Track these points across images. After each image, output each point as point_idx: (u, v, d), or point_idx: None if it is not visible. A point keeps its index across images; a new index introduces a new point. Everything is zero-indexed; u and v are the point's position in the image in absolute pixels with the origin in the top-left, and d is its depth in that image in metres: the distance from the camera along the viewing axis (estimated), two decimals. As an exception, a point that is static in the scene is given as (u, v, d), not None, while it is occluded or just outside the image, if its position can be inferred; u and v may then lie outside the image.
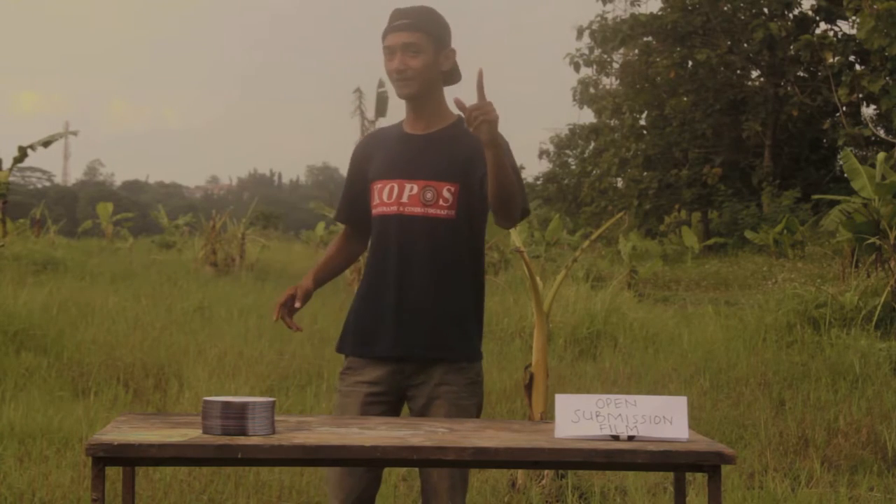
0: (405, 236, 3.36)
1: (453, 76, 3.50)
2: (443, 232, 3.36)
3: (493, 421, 3.30)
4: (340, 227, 3.73)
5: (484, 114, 3.07)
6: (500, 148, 3.14)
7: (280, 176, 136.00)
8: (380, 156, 3.47)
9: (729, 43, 32.65)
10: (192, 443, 2.67)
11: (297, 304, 3.47)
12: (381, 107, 20.13)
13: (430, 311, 3.36)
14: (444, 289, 3.38)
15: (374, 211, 3.45)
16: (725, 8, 32.43)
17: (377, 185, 3.44)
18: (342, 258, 3.65)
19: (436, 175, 3.37)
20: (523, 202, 3.35)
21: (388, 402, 3.40)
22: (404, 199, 3.38)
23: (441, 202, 3.36)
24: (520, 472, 5.51)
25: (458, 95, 3.31)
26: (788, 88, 31.67)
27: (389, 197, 3.40)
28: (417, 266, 3.37)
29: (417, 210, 3.36)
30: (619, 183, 35.76)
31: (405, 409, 3.50)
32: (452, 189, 3.36)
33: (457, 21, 3.65)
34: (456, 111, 3.43)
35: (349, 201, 3.59)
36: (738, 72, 33.42)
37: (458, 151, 3.40)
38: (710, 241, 29.57)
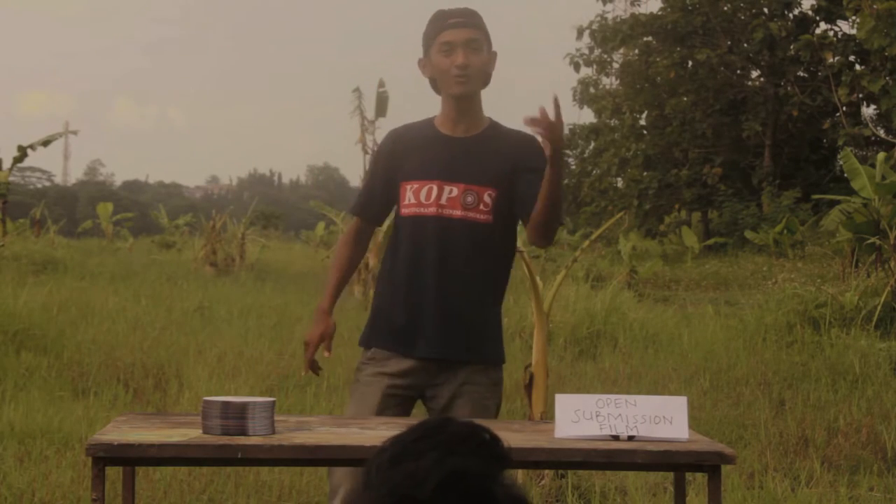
0: (445, 238, 3.34)
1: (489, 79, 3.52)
2: (481, 236, 3.35)
3: (493, 421, 3.30)
4: (339, 227, 3.73)
5: (557, 129, 3.04)
6: (563, 167, 3.15)
7: (280, 176, 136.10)
8: (414, 156, 3.44)
9: (729, 43, 32.64)
10: (192, 443, 2.67)
11: (327, 354, 3.50)
12: (381, 107, 20.13)
13: (467, 314, 3.38)
14: (479, 292, 3.40)
15: (406, 211, 3.41)
16: (725, 8, 32.42)
17: (411, 186, 3.40)
18: (352, 265, 3.62)
19: (477, 179, 3.36)
20: (562, 221, 3.38)
21: (407, 398, 3.40)
22: (443, 202, 3.37)
23: (482, 206, 3.35)
24: (520, 472, 5.50)
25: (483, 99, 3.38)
26: (788, 88, 31.65)
27: (427, 198, 3.38)
28: (455, 269, 3.37)
29: (457, 213, 3.34)
30: (619, 183, 35.75)
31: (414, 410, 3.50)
32: (493, 194, 3.36)
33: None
34: (487, 114, 3.46)
35: (371, 196, 3.55)
36: (738, 72, 33.41)
37: (499, 156, 3.39)
38: (710, 241, 29.56)
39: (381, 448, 1.39)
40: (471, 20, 3.40)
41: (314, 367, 3.49)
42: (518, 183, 3.34)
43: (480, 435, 1.39)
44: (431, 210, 3.37)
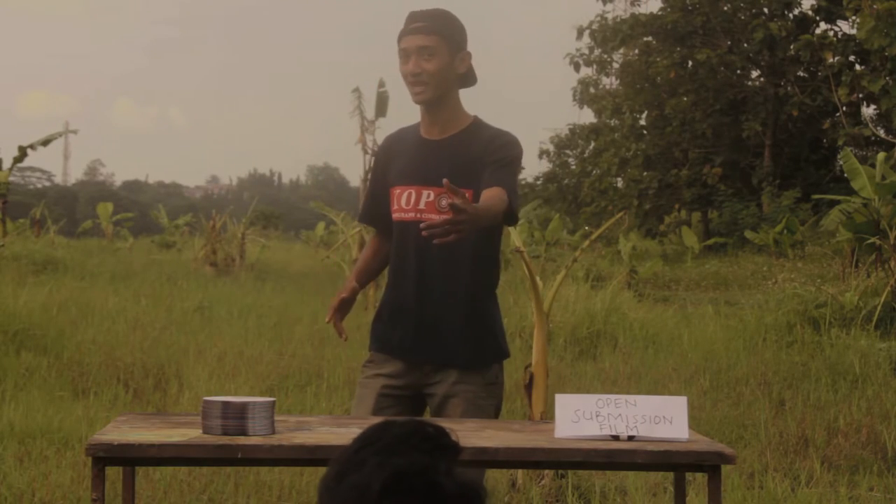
0: (423, 243, 3.34)
1: (468, 79, 3.50)
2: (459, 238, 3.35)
3: (493, 421, 3.30)
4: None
5: (456, 224, 2.91)
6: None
7: (280, 176, 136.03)
8: (399, 160, 3.50)
9: (729, 43, 32.63)
10: (192, 443, 2.67)
11: (344, 295, 3.55)
12: (381, 107, 20.12)
13: (448, 317, 3.39)
14: (462, 295, 3.40)
15: (394, 216, 3.48)
16: (725, 8, 32.41)
17: (396, 191, 3.46)
18: (379, 259, 3.68)
19: (451, 181, 3.36)
20: (507, 219, 3.34)
21: (404, 398, 3.43)
22: (422, 206, 3.40)
23: None
24: (520, 472, 5.51)
25: (471, 98, 3.37)
26: (788, 88, 31.65)
27: (408, 203, 3.43)
28: (435, 272, 3.39)
29: (434, 217, 3.32)
30: (619, 183, 35.75)
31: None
32: (467, 195, 3.33)
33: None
34: (472, 112, 3.46)
35: (372, 203, 3.62)
36: (738, 72, 33.40)
37: (472, 156, 3.38)
38: (710, 241, 29.55)
39: (329, 467, 1.39)
40: (429, 25, 3.39)
41: (338, 327, 3.54)
42: (483, 175, 3.35)
43: (423, 431, 1.38)
44: (411, 215, 3.42)
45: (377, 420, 1.45)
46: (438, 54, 3.38)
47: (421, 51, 3.38)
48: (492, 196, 3.22)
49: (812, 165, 32.67)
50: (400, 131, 3.62)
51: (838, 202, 15.12)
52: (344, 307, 3.54)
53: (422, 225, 2.98)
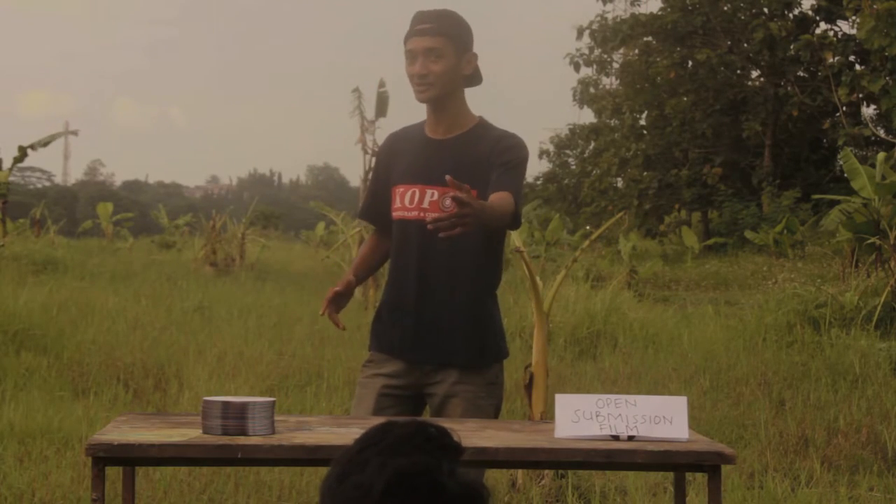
0: (425, 243, 3.36)
1: (474, 79, 3.50)
2: (461, 239, 3.26)
3: (493, 421, 3.30)
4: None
5: (461, 218, 2.91)
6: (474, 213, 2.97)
7: (280, 176, 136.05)
8: (402, 159, 3.49)
9: (729, 43, 32.63)
10: (192, 443, 2.67)
11: (338, 288, 3.51)
12: (382, 107, 20.08)
13: (449, 317, 3.39)
14: (463, 296, 3.40)
15: (395, 215, 3.47)
16: (725, 8, 32.40)
17: (398, 189, 3.46)
18: (377, 256, 3.69)
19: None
20: (512, 223, 3.33)
21: (404, 398, 3.42)
22: (425, 205, 3.39)
23: None
24: (520, 472, 5.50)
25: (476, 97, 3.36)
26: (788, 88, 31.64)
27: (411, 202, 3.42)
28: (436, 271, 3.39)
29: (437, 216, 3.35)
30: (619, 183, 35.74)
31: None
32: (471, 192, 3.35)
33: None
34: (478, 113, 3.46)
35: (373, 201, 3.61)
36: (738, 72, 33.39)
37: (478, 157, 3.39)
38: (710, 241, 29.55)
39: (331, 468, 1.39)
40: (435, 27, 3.38)
41: (334, 318, 3.52)
42: (490, 176, 3.35)
43: (425, 431, 1.38)
44: (413, 214, 3.41)
45: (378, 420, 1.46)
46: (445, 56, 3.38)
47: (428, 52, 3.38)
48: (499, 198, 3.23)
49: (812, 165, 32.66)
50: (404, 130, 3.61)
51: (838, 202, 15.11)
52: (338, 300, 3.53)
53: (428, 219, 2.97)
